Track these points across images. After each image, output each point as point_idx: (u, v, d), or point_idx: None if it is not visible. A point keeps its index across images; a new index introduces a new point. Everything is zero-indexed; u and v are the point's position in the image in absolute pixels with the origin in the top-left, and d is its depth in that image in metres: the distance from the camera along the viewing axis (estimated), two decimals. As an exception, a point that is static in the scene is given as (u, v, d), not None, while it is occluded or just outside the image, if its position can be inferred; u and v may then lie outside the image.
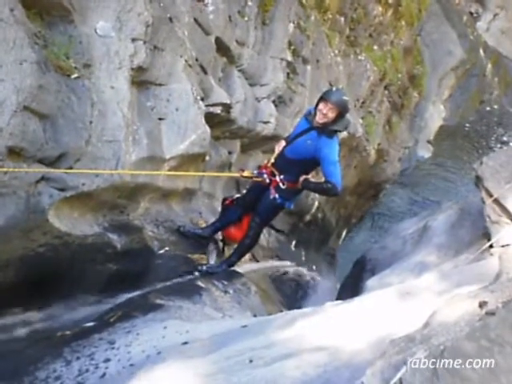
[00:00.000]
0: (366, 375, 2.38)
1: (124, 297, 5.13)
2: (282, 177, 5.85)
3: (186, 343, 3.89)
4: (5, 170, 4.13)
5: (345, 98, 5.58)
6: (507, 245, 4.52)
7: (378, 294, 4.07)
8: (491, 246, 4.63)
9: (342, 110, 5.47)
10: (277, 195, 5.96)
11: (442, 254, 5.31)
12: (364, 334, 3.39)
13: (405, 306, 3.64)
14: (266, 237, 9.11)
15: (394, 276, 5.32)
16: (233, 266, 6.43)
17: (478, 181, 4.92)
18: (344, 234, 14.68)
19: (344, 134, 11.13)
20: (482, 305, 2.32)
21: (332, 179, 5.42)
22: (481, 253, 4.67)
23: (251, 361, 3.34)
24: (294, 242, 10.68)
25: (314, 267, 10.99)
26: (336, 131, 5.56)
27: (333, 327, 3.59)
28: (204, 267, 6.23)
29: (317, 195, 10.75)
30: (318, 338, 3.45)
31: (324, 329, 3.57)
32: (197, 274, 6.07)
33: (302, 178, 5.72)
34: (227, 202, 6.49)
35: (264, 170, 6.02)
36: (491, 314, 2.23)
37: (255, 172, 6.14)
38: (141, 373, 3.56)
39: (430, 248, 5.59)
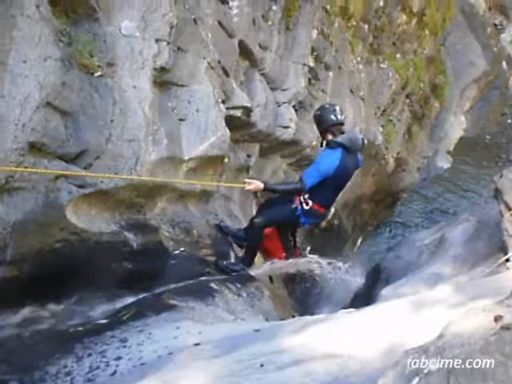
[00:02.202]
0: (377, 385, 2.36)
1: (137, 296, 5.15)
2: (306, 196, 6.01)
3: (197, 344, 3.90)
4: (20, 170, 4.18)
5: (315, 112, 6.17)
6: (525, 259, 4.49)
7: (392, 303, 4.04)
8: (508, 260, 4.59)
9: (316, 123, 6.10)
10: (299, 206, 6.09)
11: (458, 266, 5.28)
12: (376, 344, 3.37)
13: (418, 318, 3.61)
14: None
15: (409, 286, 5.29)
16: (248, 265, 6.46)
17: (497, 193, 4.88)
18: (359, 241, 14.62)
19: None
20: (497, 319, 2.29)
21: (302, 176, 5.82)
22: (497, 266, 4.62)
23: (262, 365, 3.33)
24: (308, 249, 10.64)
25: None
26: (339, 144, 5.74)
27: (345, 335, 3.57)
28: (224, 262, 6.32)
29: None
30: (330, 346, 3.43)
31: (336, 336, 3.55)
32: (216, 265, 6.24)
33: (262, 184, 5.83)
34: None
35: None
36: (506, 328, 2.21)
37: None
38: (152, 373, 3.57)
39: (446, 259, 5.54)
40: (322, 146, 6.10)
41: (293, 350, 3.47)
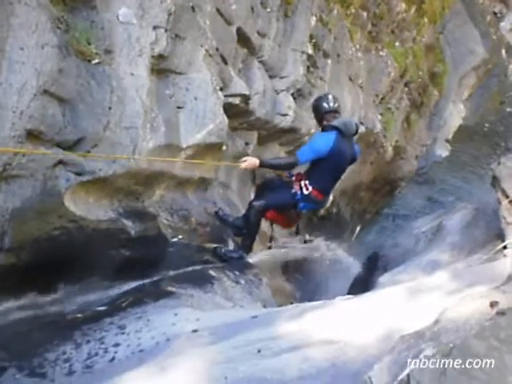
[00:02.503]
0: (373, 370, 2.39)
1: (136, 283, 5.17)
2: (307, 182, 6.21)
3: (195, 331, 3.91)
4: (23, 151, 4.17)
5: (312, 102, 6.62)
6: (522, 246, 4.50)
7: (389, 290, 4.07)
8: (505, 247, 4.61)
9: (313, 113, 6.48)
10: (299, 192, 6.26)
11: (455, 253, 5.29)
12: (373, 330, 3.39)
13: (415, 304, 3.64)
14: (278, 228, 9.09)
15: (406, 273, 5.31)
16: (247, 251, 6.55)
17: (495, 181, 4.90)
18: (358, 229, 14.64)
19: (362, 129, 11.15)
20: (492, 304, 2.31)
21: (297, 152, 6.05)
22: (494, 253, 4.64)
23: (259, 351, 3.36)
24: (306, 236, 10.67)
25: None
26: (332, 127, 6.05)
27: (342, 321, 3.59)
28: (223, 249, 6.41)
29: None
30: (327, 332, 3.46)
31: (333, 323, 3.58)
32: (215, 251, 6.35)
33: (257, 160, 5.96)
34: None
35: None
36: (502, 314, 2.22)
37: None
38: (150, 359, 3.60)
39: (444, 247, 5.56)
40: None
41: (290, 335, 3.50)
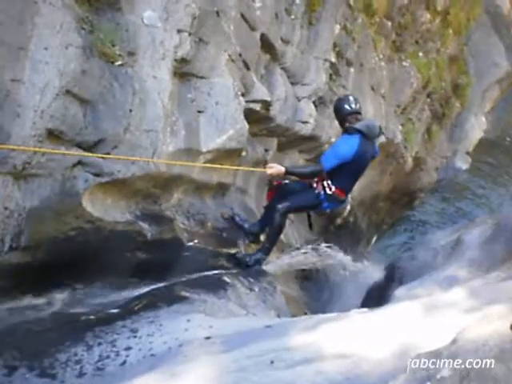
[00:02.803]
0: (387, 388, 2.34)
1: (150, 286, 5.15)
2: (329, 182, 6.21)
3: (208, 338, 3.88)
4: (43, 150, 4.18)
5: (333, 104, 6.55)
6: (542, 266, 4.42)
7: (405, 305, 4.01)
8: (525, 266, 4.54)
9: (334, 115, 6.40)
10: (322, 192, 6.26)
11: (474, 270, 5.22)
12: (388, 345, 3.34)
13: (431, 321, 3.58)
14: (294, 236, 9.06)
15: (423, 288, 5.24)
16: (267, 253, 6.50)
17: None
18: (374, 239, 14.55)
19: (382, 139, 11.07)
20: (512, 327, 2.27)
21: (321, 158, 6.09)
22: (513, 271, 4.57)
23: (272, 362, 3.32)
24: (322, 245, 10.61)
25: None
26: (356, 129, 5.99)
27: (357, 335, 3.54)
28: (242, 253, 6.47)
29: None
30: (341, 345, 3.41)
31: (348, 336, 3.53)
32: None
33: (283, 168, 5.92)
34: (275, 183, 6.76)
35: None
36: (522, 337, 2.17)
37: None
38: (161, 365, 3.57)
39: (462, 262, 5.49)
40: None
41: (304, 347, 3.45)
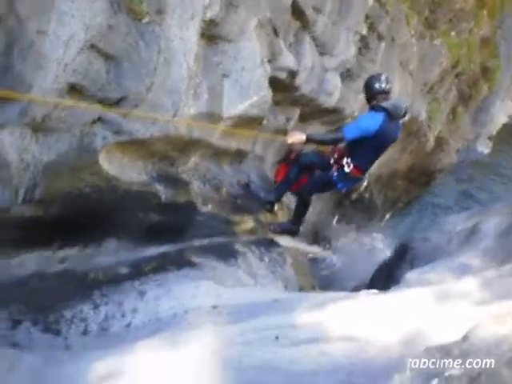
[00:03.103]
0: (393, 381, 2.30)
1: (161, 248, 5.14)
2: (349, 160, 6.26)
3: (215, 307, 3.87)
4: (66, 102, 4.13)
5: (366, 79, 6.39)
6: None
7: (416, 291, 3.95)
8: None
9: (364, 91, 6.33)
10: (335, 173, 6.35)
11: (488, 260, 5.13)
12: (396, 331, 3.30)
13: (442, 310, 3.52)
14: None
15: (435, 273, 5.17)
16: (296, 228, 6.86)
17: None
18: (388, 216, 14.46)
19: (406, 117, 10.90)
20: (528, 332, 2.21)
21: (344, 128, 5.99)
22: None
23: (277, 338, 3.30)
24: (336, 218, 10.57)
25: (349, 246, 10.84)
26: (382, 107, 5.98)
27: (365, 318, 3.50)
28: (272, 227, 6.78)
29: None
30: (348, 327, 3.38)
31: (355, 318, 3.49)
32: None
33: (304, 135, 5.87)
34: (292, 155, 6.89)
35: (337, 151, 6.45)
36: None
37: None
38: (165, 330, 3.56)
39: (476, 251, 5.41)
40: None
41: (310, 326, 3.42)
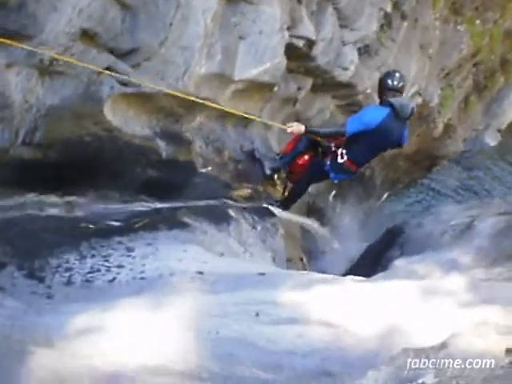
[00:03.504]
0: (367, 377, 2.30)
1: (154, 205, 5.12)
2: (344, 151, 6.08)
3: (200, 273, 3.85)
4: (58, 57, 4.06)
5: (381, 76, 6.24)
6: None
7: (402, 283, 3.94)
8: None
9: (378, 84, 6.14)
10: (328, 162, 6.21)
11: (479, 258, 5.12)
12: (376, 323, 3.30)
13: (425, 307, 3.52)
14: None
15: (423, 265, 5.16)
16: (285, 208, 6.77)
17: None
18: (385, 196, 14.41)
19: (418, 100, 10.79)
20: (508, 351, 2.19)
21: (346, 121, 5.90)
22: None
23: (258, 314, 3.29)
24: (333, 193, 10.52)
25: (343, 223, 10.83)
26: (389, 103, 5.83)
27: (347, 305, 3.50)
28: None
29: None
30: (329, 312, 3.37)
31: (338, 304, 3.49)
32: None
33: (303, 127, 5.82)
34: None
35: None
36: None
37: None
38: (149, 290, 3.56)
39: (468, 248, 5.39)
40: None
41: (292, 306, 3.42)
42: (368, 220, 12.59)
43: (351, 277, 4.24)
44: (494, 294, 3.84)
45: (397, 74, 6.10)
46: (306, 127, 5.82)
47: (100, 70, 4.30)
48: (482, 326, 2.56)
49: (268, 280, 3.85)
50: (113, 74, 4.37)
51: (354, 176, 6.74)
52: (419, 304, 3.57)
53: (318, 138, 6.17)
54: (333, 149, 6.19)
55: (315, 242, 8.46)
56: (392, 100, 5.83)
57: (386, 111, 5.82)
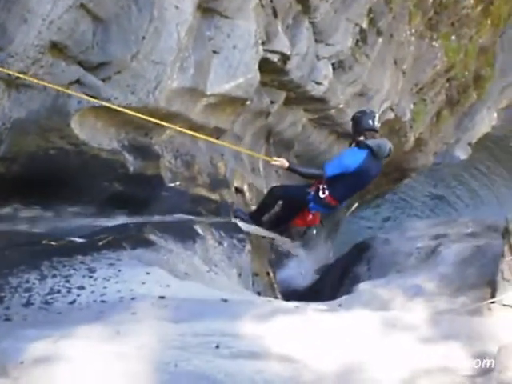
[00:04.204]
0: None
1: (120, 220, 5.04)
2: (325, 186, 6.37)
3: (162, 297, 3.80)
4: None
5: (356, 113, 6.61)
6: (509, 305, 4.37)
7: (364, 315, 3.94)
8: (493, 302, 4.48)
9: (353, 123, 6.49)
10: (313, 192, 6.50)
11: (442, 285, 5.15)
12: (335, 359, 3.28)
13: (385, 343, 3.52)
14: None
15: (387, 290, 5.18)
16: (255, 223, 6.94)
17: (506, 234, 4.73)
18: (354, 206, 14.49)
19: (390, 115, 10.86)
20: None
21: (324, 164, 6.35)
22: (479, 303, 4.51)
23: (218, 347, 3.25)
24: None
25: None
26: (366, 145, 6.13)
27: (308, 338, 3.48)
28: (238, 209, 6.86)
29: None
30: (290, 346, 3.35)
31: (299, 336, 3.47)
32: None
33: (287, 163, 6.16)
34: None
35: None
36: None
37: None
38: (109, 315, 3.49)
39: (433, 274, 5.41)
40: (350, 145, 6.62)
41: (253, 338, 3.39)
42: (336, 232, 12.67)
43: (314, 305, 4.23)
44: (456, 330, 3.85)
45: (376, 115, 6.48)
46: (290, 164, 6.14)
47: (64, 89, 4.19)
48: (432, 374, 2.56)
49: (230, 308, 3.81)
50: (74, 93, 4.27)
51: (332, 211, 7.34)
52: (380, 338, 3.57)
53: None
54: (313, 185, 6.54)
55: (282, 254, 8.44)
56: (369, 143, 6.08)
57: (364, 154, 6.10)
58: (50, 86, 4.08)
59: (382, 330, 3.69)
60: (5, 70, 3.81)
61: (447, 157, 17.00)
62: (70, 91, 4.25)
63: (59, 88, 4.18)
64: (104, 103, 4.50)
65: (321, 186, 6.36)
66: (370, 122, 6.25)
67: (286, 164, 6.07)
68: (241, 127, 7.27)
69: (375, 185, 14.61)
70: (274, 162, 6.20)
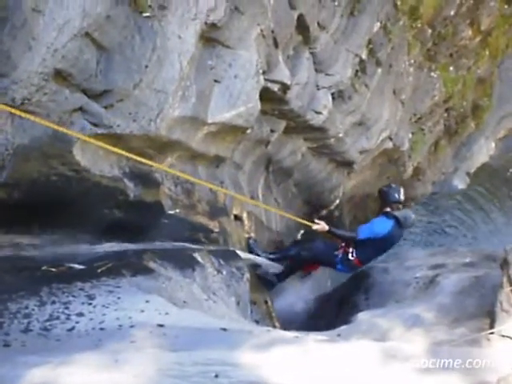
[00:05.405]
0: None
1: (120, 247, 5.05)
2: (354, 250, 7.28)
3: (161, 326, 3.79)
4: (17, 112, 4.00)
5: (384, 188, 7.74)
6: (508, 336, 4.37)
7: (363, 345, 3.94)
8: (492, 333, 4.48)
9: (380, 197, 7.62)
10: (340, 255, 7.37)
11: (441, 315, 5.17)
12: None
13: (384, 373, 3.52)
14: (275, 218, 8.97)
15: (386, 320, 5.19)
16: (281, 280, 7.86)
17: (504, 264, 4.77)
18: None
19: (389, 144, 10.91)
20: None
21: (359, 229, 7.34)
22: (477, 334, 4.51)
23: (217, 376, 3.25)
24: (301, 232, 10.53)
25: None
26: (394, 216, 7.12)
27: (307, 369, 3.47)
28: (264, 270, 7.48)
29: (340, 193, 11.00)
30: (288, 377, 3.35)
31: (297, 368, 3.46)
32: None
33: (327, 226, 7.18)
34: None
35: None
36: None
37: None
38: (107, 344, 3.48)
39: (431, 305, 5.44)
40: (377, 215, 7.60)
41: (251, 368, 3.39)
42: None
43: (313, 335, 4.22)
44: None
45: (402, 190, 7.54)
46: (330, 228, 7.14)
47: (54, 126, 4.19)
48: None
49: (229, 337, 3.81)
50: (69, 132, 4.29)
51: (353, 271, 8.04)
52: (379, 369, 3.57)
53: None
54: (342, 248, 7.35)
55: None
56: (397, 213, 7.08)
57: (391, 223, 7.09)
58: (43, 123, 4.09)
59: (381, 361, 3.69)
60: (10, 109, 3.84)
61: (445, 186, 17.01)
62: (64, 129, 4.26)
63: (54, 126, 4.19)
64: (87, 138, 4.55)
65: (350, 250, 7.25)
66: (396, 195, 7.32)
67: (327, 227, 7.07)
68: (241, 155, 7.31)
69: (374, 213, 14.65)
70: (315, 227, 7.10)
